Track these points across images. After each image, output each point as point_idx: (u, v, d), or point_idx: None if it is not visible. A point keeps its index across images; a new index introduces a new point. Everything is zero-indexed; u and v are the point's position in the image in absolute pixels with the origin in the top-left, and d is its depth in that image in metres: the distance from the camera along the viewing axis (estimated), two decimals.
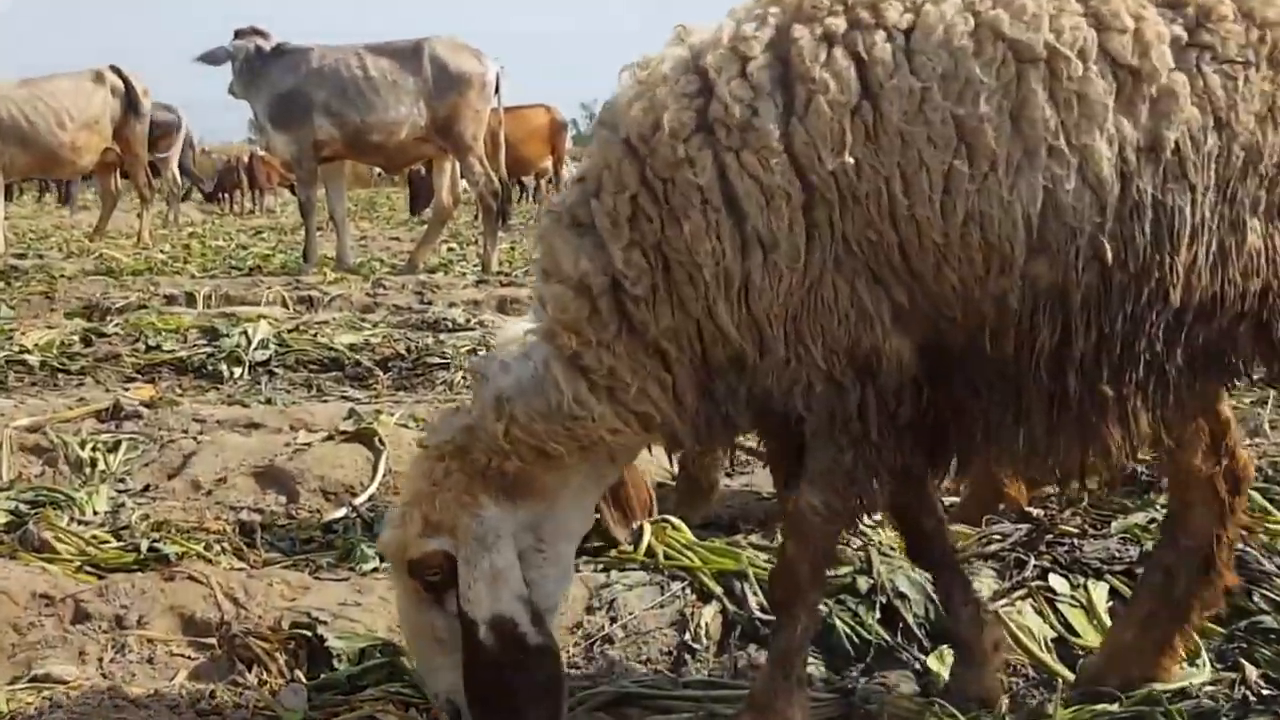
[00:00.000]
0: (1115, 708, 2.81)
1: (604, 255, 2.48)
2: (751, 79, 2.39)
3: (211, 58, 12.38)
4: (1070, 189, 2.30)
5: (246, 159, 28.01)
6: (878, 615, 3.24)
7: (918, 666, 3.11)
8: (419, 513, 2.62)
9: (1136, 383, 2.41)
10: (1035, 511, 4.12)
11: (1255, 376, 2.61)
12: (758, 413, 2.54)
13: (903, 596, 3.27)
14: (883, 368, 2.41)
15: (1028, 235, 2.32)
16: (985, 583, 3.34)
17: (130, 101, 14.91)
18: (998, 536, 3.64)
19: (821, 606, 3.20)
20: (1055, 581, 3.34)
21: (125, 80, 14.85)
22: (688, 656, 3.25)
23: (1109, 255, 2.32)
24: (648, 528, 3.71)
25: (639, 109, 2.47)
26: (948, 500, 4.42)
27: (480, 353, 2.90)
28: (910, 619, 3.23)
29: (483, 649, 2.57)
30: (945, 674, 3.00)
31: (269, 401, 6.46)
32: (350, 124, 12.00)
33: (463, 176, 12.75)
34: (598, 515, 3.19)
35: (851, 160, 2.33)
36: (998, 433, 2.46)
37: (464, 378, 6.62)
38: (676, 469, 4.50)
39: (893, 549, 3.56)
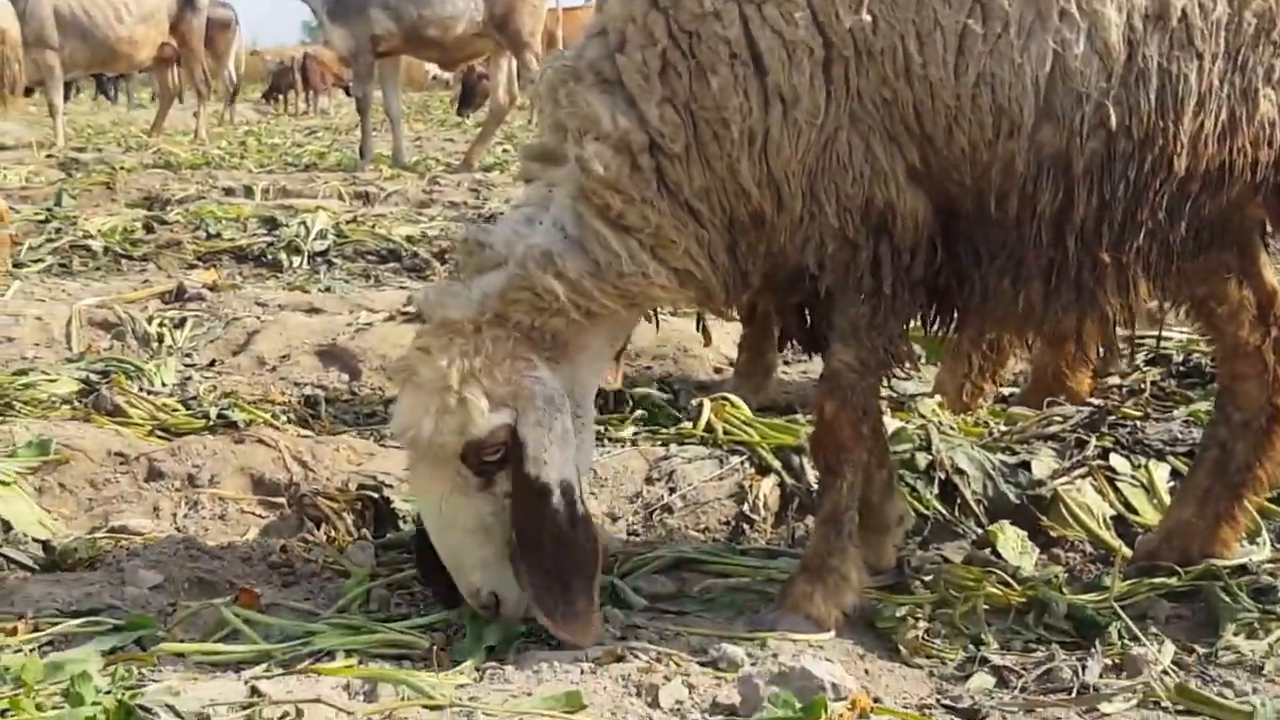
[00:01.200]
0: (1173, 581, 2.83)
1: (636, 112, 2.47)
2: None
3: None
4: (1079, 54, 2.34)
5: (300, 59, 27.96)
6: (936, 491, 3.27)
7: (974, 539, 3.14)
8: (480, 389, 2.50)
9: (1137, 250, 2.46)
10: (1097, 402, 4.11)
11: None
12: (768, 271, 2.59)
13: (961, 473, 3.28)
14: (897, 225, 2.45)
15: (1036, 100, 2.36)
16: (1045, 462, 3.35)
17: None
18: (1059, 418, 3.63)
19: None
20: (1116, 461, 3.34)
21: None
22: (745, 526, 3.29)
23: (1114, 122, 2.36)
24: (707, 404, 3.73)
25: None
26: (1007, 391, 4.43)
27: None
28: (969, 494, 3.25)
29: (554, 515, 2.50)
30: (1004, 548, 3.02)
31: (328, 289, 6.53)
32: (407, 18, 11.91)
33: (519, 73, 12.66)
34: None
35: (868, 17, 2.36)
36: (996, 297, 2.52)
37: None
38: (736, 354, 4.53)
39: (952, 428, 3.57)
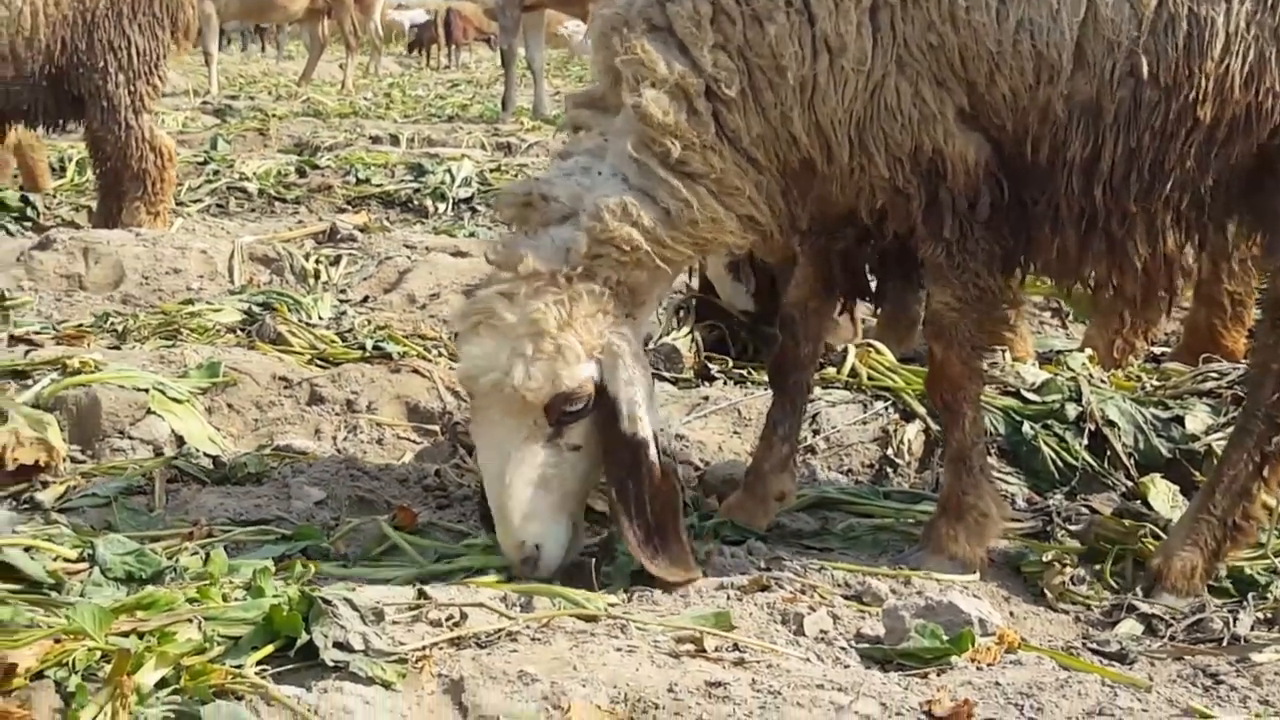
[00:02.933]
0: None
1: (689, 58, 2.50)
2: None
3: None
4: (1110, 1, 2.37)
5: (444, 14, 28.33)
6: (1085, 442, 3.23)
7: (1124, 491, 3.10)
8: (575, 339, 2.46)
9: (1166, 200, 2.46)
10: None
11: None
12: (814, 215, 2.66)
13: (1111, 424, 3.24)
14: (949, 170, 2.49)
15: (1072, 46, 2.39)
16: (1199, 417, 3.28)
17: None
18: (1214, 374, 3.56)
19: (1027, 429, 3.24)
20: None
21: None
22: (889, 470, 3.30)
23: (1143, 71, 2.38)
24: (851, 349, 3.73)
25: None
26: (1158, 350, 4.34)
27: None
28: (1119, 447, 3.20)
29: (653, 468, 2.48)
30: (1157, 501, 2.99)
31: (472, 234, 6.67)
32: None
33: None
34: None
35: None
36: (1038, 243, 2.57)
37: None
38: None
39: (1103, 381, 3.52)
